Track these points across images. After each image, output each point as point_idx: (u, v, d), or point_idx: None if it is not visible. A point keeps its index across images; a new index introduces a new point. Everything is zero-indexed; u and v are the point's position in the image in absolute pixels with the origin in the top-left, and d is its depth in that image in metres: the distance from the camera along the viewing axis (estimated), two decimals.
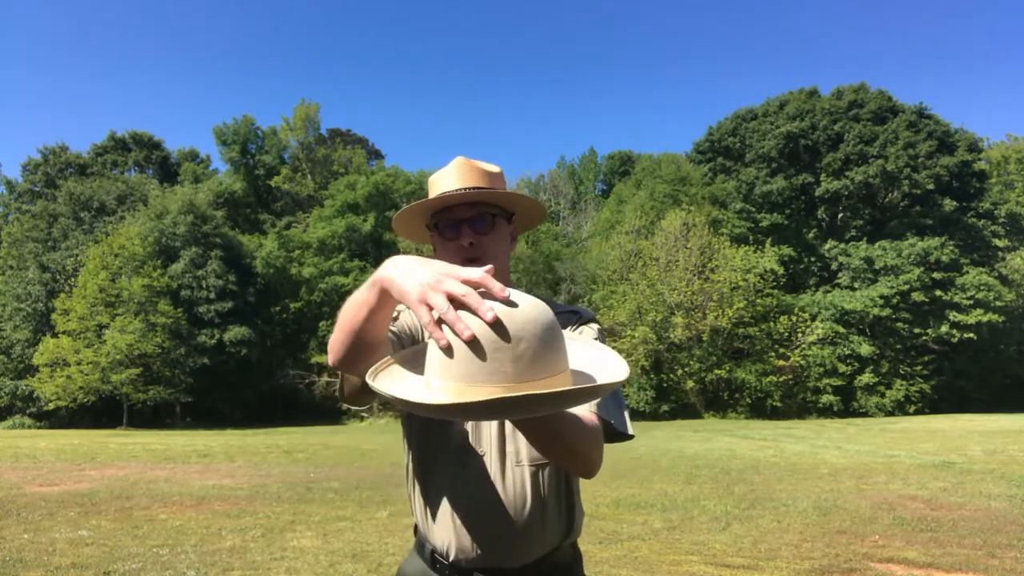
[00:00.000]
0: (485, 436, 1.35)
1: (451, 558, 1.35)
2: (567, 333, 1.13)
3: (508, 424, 1.34)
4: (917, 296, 33.26)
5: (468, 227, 1.39)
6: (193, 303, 33.01)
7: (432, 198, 1.41)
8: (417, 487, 1.42)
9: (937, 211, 35.71)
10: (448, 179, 1.43)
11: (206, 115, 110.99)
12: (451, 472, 1.35)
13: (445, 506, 1.36)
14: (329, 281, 36.06)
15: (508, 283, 1.47)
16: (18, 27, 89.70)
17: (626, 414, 1.36)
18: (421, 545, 1.44)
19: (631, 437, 1.35)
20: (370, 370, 1.04)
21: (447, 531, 1.35)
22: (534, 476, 1.34)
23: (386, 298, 1.04)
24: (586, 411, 1.27)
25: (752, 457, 12.62)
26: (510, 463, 1.34)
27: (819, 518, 6.74)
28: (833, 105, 38.12)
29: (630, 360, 30.61)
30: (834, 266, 37.07)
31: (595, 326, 1.44)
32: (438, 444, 1.37)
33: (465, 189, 1.40)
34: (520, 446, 1.34)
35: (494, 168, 1.47)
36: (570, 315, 1.44)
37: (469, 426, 1.35)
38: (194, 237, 33.91)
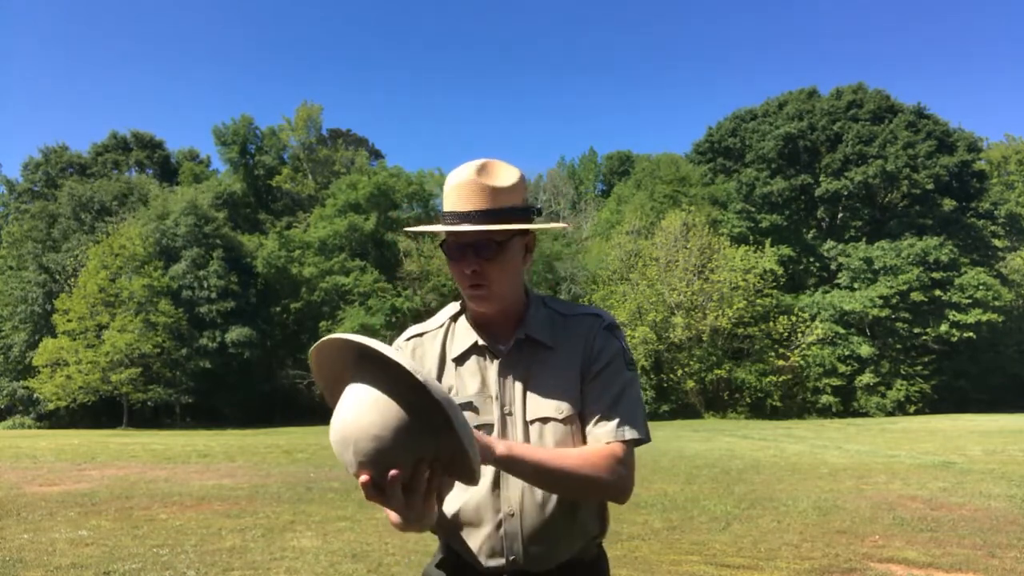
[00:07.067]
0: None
1: (481, 563, 1.37)
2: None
3: (533, 432, 1.37)
4: (916, 296, 33.24)
5: (473, 253, 1.33)
6: (194, 303, 33.01)
7: (434, 228, 1.37)
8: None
9: (937, 211, 35.70)
10: (455, 197, 1.34)
11: (206, 115, 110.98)
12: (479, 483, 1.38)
13: (473, 512, 1.37)
14: (330, 281, 36.06)
15: (519, 297, 1.44)
16: (18, 26, 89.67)
17: (642, 418, 1.39)
18: (447, 548, 1.45)
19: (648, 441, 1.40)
20: None
21: (476, 536, 1.37)
22: None
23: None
24: (603, 443, 1.33)
25: (752, 457, 12.62)
26: None
27: (819, 518, 6.74)
28: (832, 105, 38.10)
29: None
30: (833, 266, 37.07)
31: (618, 333, 1.44)
32: None
33: (471, 212, 1.32)
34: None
35: (510, 179, 1.36)
36: (592, 319, 1.44)
37: (495, 434, 1.37)
38: (195, 237, 33.91)
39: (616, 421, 1.35)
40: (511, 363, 1.40)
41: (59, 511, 7.15)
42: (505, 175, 1.36)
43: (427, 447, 1.07)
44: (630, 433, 1.34)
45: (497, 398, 1.38)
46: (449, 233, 1.35)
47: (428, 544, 5.36)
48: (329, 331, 35.07)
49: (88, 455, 13.37)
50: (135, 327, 30.02)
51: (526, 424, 1.37)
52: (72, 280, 32.30)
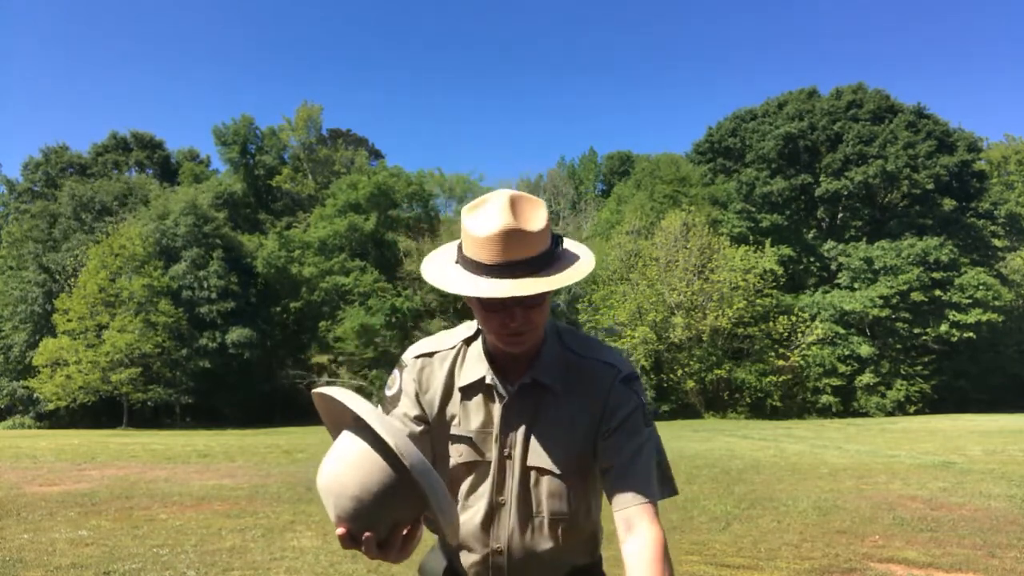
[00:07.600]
0: (507, 488, 1.38)
1: None
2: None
3: (532, 479, 1.38)
4: (916, 296, 33.23)
5: (519, 302, 1.26)
6: (195, 304, 33.01)
7: (488, 297, 1.23)
8: None
9: (937, 211, 35.68)
10: (495, 247, 1.21)
11: (206, 115, 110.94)
12: (471, 513, 1.40)
13: (465, 539, 1.41)
14: (330, 280, 36.06)
15: (540, 332, 1.37)
16: (18, 26, 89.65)
17: (656, 476, 1.34)
18: (446, 548, 1.50)
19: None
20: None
21: (467, 558, 1.42)
22: (553, 525, 1.38)
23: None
24: (632, 506, 1.29)
25: (752, 457, 12.62)
26: (531, 513, 1.39)
27: (819, 518, 6.74)
28: (832, 105, 38.08)
29: (630, 360, 30.68)
30: (834, 266, 37.06)
31: (636, 385, 1.39)
32: (461, 489, 1.42)
33: (517, 262, 1.22)
34: (542, 499, 1.37)
35: (541, 220, 1.24)
36: (608, 369, 1.38)
37: (491, 477, 1.39)
38: (195, 237, 33.92)
39: (636, 484, 1.30)
40: (516, 406, 1.37)
41: (59, 511, 7.14)
42: (539, 213, 1.25)
43: (406, 513, 1.10)
44: (648, 496, 1.29)
45: (497, 440, 1.38)
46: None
47: (428, 545, 5.34)
48: (329, 331, 35.10)
49: (88, 455, 13.36)
50: (135, 327, 30.02)
51: (524, 470, 1.37)
52: (72, 280, 32.30)
